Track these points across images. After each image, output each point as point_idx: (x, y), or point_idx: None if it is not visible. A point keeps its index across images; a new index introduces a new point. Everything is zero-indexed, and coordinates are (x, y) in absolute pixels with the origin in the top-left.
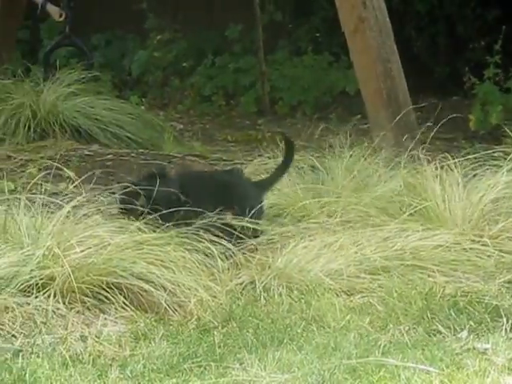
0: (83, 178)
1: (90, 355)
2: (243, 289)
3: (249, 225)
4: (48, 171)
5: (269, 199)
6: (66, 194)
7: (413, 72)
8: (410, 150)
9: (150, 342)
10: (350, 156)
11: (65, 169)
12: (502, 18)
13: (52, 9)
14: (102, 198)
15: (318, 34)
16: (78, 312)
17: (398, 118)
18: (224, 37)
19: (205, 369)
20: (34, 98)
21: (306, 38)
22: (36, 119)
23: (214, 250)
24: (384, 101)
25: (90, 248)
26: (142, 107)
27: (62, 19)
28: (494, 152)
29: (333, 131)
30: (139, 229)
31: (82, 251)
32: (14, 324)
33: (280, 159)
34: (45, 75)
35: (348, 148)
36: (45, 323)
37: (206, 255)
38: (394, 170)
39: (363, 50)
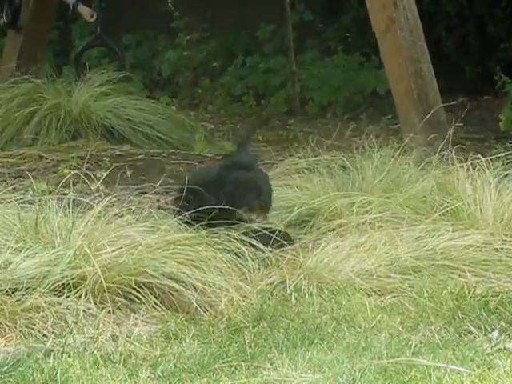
0: (114, 178)
1: (120, 355)
2: (274, 289)
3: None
4: (79, 171)
5: (300, 199)
6: (98, 194)
7: (443, 72)
8: (441, 150)
9: (181, 342)
10: (381, 156)
11: (96, 169)
12: None
13: (83, 9)
14: (132, 198)
15: (348, 34)
16: (108, 312)
17: (428, 117)
18: (254, 37)
19: (235, 368)
20: (66, 99)
21: (336, 37)
22: (68, 119)
23: (245, 249)
24: (415, 101)
25: (121, 248)
26: (173, 107)
27: (93, 20)
28: None
29: (363, 131)
30: (170, 229)
31: (113, 251)
32: (45, 324)
33: (311, 159)
34: (76, 75)
35: (378, 148)
36: (76, 323)
37: (237, 255)
38: (425, 170)
39: (394, 50)
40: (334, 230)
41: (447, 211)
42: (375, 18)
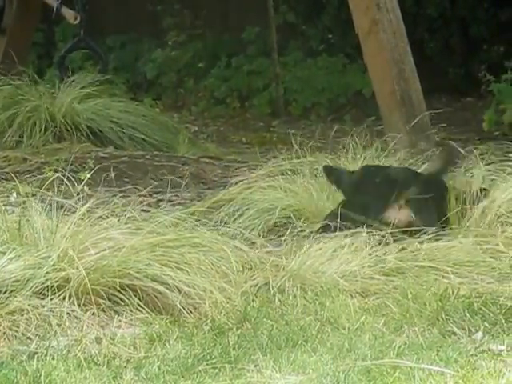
0: (98, 180)
1: (104, 357)
2: (257, 290)
3: None
4: (63, 174)
5: (283, 201)
6: (81, 197)
7: (426, 73)
8: (424, 151)
9: (165, 344)
10: (365, 157)
11: (80, 171)
12: None
13: (67, 12)
14: (116, 200)
15: (330, 36)
16: (92, 314)
17: (411, 119)
18: (238, 38)
19: (219, 370)
20: (50, 101)
21: (318, 38)
22: (51, 122)
23: (229, 251)
24: (398, 102)
25: (105, 250)
26: (157, 109)
27: (76, 22)
28: (508, 153)
29: (347, 133)
30: (153, 231)
31: (97, 253)
32: (29, 326)
33: (294, 161)
34: (60, 78)
35: (362, 149)
36: (60, 325)
37: (221, 257)
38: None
39: (377, 52)
40: (317, 231)
41: None
42: (358, 20)
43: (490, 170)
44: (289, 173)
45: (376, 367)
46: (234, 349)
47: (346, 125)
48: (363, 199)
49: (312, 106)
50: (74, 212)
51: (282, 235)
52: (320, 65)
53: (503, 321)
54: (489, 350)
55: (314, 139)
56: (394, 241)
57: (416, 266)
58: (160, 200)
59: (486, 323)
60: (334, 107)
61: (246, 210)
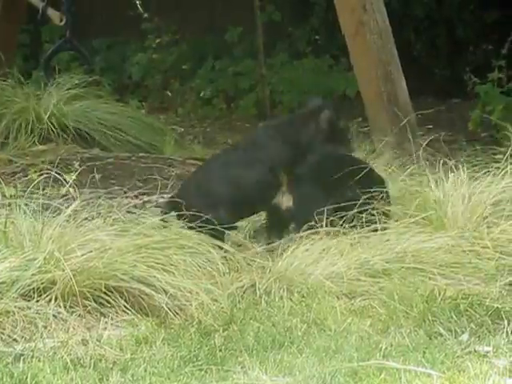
0: (84, 181)
1: (90, 359)
2: (244, 292)
3: None
4: (49, 175)
5: None
6: (67, 198)
7: (413, 75)
8: (411, 153)
9: (151, 346)
10: None
11: (66, 173)
12: (501, 20)
13: (53, 13)
14: (102, 202)
15: (317, 37)
16: (79, 316)
17: (398, 120)
18: (224, 40)
19: (206, 372)
20: (35, 102)
21: (305, 40)
22: (37, 123)
23: (215, 253)
24: (384, 104)
25: (91, 252)
26: (143, 111)
27: (62, 23)
28: (494, 154)
29: None
30: (140, 232)
31: (83, 255)
32: (15, 328)
33: None
34: (46, 79)
35: None
36: (46, 327)
37: (208, 259)
38: (395, 173)
39: (363, 53)
40: (303, 233)
41: (417, 214)
42: (345, 21)
43: (475, 172)
44: None
45: (362, 369)
46: (220, 350)
47: None
48: None
49: (298, 107)
50: (59, 214)
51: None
52: (306, 66)
53: (489, 322)
54: (475, 351)
55: None
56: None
57: (402, 267)
58: (146, 201)
59: (472, 325)
60: None
61: None
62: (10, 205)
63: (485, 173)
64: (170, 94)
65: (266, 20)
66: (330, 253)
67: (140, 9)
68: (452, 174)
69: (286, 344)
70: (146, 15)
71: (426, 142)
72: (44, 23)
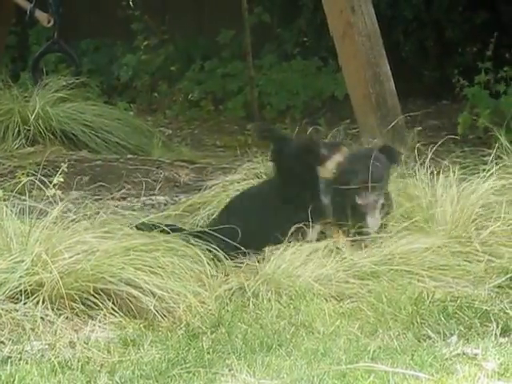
0: (71, 183)
1: (78, 361)
2: (232, 294)
3: None
4: (36, 177)
5: None
6: (54, 201)
7: (402, 76)
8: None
9: (139, 348)
10: None
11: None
12: (490, 21)
13: (40, 15)
14: (89, 204)
15: (305, 39)
16: (66, 318)
17: (386, 122)
18: (213, 41)
19: (194, 375)
20: (23, 104)
21: (293, 41)
22: (25, 125)
23: (203, 255)
24: (373, 105)
25: (79, 254)
26: (131, 113)
27: (50, 25)
28: (483, 156)
29: (322, 136)
30: (127, 234)
31: (71, 257)
32: (2, 331)
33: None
34: (34, 81)
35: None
36: (33, 330)
37: (195, 262)
38: None
39: (352, 55)
40: (291, 235)
41: (406, 216)
42: (333, 23)
43: (464, 174)
44: (263, 176)
45: (351, 371)
46: (208, 353)
47: (320, 128)
48: None
49: (286, 109)
50: (46, 216)
51: None
52: (294, 68)
53: (478, 324)
54: (464, 353)
55: None
56: None
57: (391, 269)
58: (134, 204)
59: (461, 327)
60: (309, 110)
61: None
62: None
63: (473, 174)
64: (158, 95)
65: (255, 22)
66: (318, 255)
67: (131, 5)
68: (441, 175)
69: (274, 346)
70: (136, 13)
71: (415, 145)
72: (32, 25)
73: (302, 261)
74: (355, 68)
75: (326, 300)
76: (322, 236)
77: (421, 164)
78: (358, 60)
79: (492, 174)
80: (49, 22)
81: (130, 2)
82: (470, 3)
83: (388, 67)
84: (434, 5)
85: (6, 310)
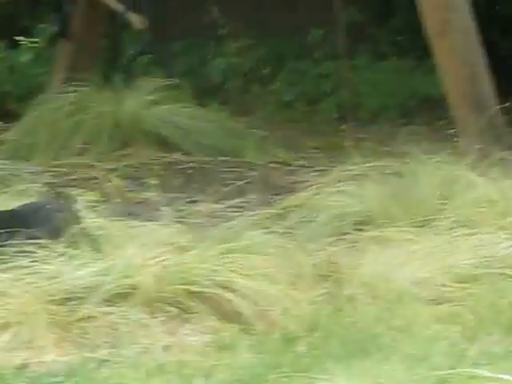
0: (165, 186)
1: (174, 365)
2: (327, 297)
3: None
4: (130, 180)
5: (354, 206)
6: (148, 203)
7: (499, 75)
8: (497, 156)
9: (234, 352)
10: (436, 161)
11: (147, 177)
12: None
13: (133, 17)
14: (183, 207)
15: (399, 38)
16: (161, 321)
17: (484, 121)
18: (304, 42)
19: (290, 379)
20: (116, 107)
21: (387, 40)
22: (118, 128)
23: (298, 258)
24: (470, 105)
25: (172, 256)
26: (223, 114)
27: (142, 27)
28: None
29: (418, 136)
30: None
31: (164, 260)
32: (98, 334)
33: (365, 165)
34: (126, 83)
35: (434, 153)
36: (129, 333)
37: (291, 264)
38: (482, 176)
39: (448, 53)
40: (388, 237)
41: (507, 218)
42: (429, 21)
43: None
44: (359, 178)
45: (451, 377)
46: (304, 357)
47: (416, 128)
48: None
49: (381, 109)
50: (141, 218)
51: (354, 242)
52: (389, 67)
53: None
54: None
55: (383, 143)
56: None
57: (491, 272)
58: (228, 206)
59: None
60: (404, 110)
61: (316, 216)
62: (92, 210)
63: None
64: (250, 97)
65: (348, 21)
66: (416, 257)
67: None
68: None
69: (371, 351)
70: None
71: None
72: (124, 27)
73: (398, 263)
74: (452, 67)
75: (424, 303)
76: None
77: None
78: (455, 58)
79: None
80: (141, 24)
81: (215, 10)
82: None
83: (486, 66)
84: None
85: (102, 313)
